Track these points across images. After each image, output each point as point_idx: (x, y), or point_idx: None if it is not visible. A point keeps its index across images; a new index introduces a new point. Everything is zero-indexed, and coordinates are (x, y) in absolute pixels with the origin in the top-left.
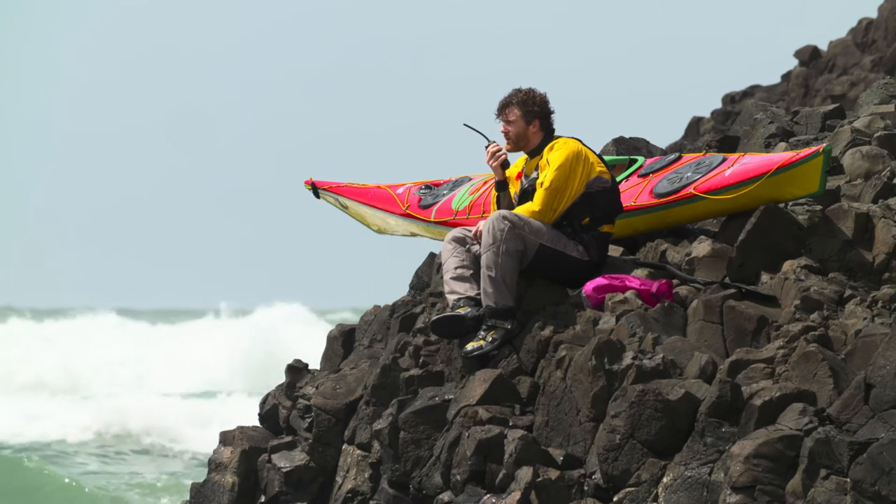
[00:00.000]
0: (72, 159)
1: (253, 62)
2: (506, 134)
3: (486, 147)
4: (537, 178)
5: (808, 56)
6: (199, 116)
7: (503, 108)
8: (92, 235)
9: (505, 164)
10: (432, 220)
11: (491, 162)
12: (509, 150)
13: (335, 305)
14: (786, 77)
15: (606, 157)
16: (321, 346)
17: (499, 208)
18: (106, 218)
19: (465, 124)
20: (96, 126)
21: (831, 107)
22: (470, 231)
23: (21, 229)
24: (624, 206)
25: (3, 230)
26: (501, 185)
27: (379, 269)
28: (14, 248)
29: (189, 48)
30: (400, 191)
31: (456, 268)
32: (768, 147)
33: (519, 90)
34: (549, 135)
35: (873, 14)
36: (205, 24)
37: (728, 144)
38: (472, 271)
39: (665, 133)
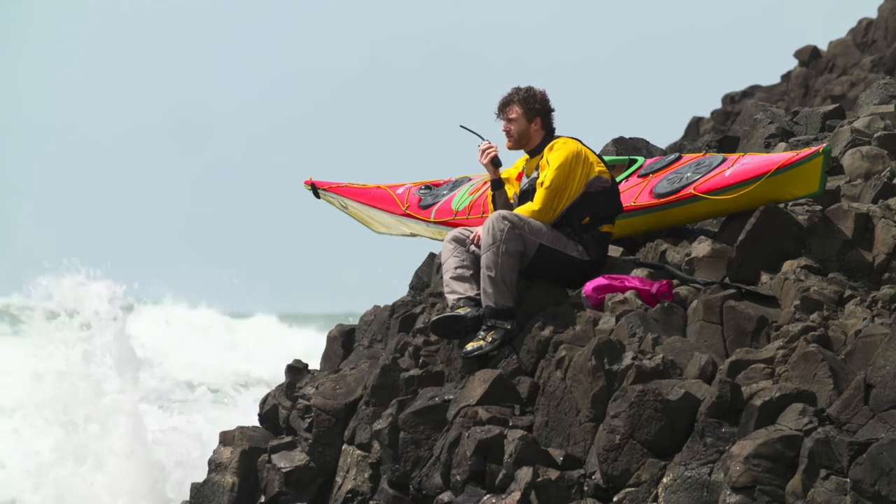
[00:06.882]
0: (69, 167)
1: (252, 71)
2: (507, 132)
3: (479, 146)
4: (537, 177)
5: (808, 56)
6: (201, 122)
7: (504, 107)
8: (91, 242)
9: (496, 162)
10: (432, 220)
11: (482, 160)
12: (511, 148)
13: (335, 304)
14: (786, 77)
15: (606, 158)
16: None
17: (495, 207)
18: (105, 225)
19: (461, 125)
20: (95, 134)
21: (831, 107)
22: (470, 231)
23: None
24: (624, 206)
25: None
26: (496, 184)
27: (378, 269)
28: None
29: (189, 57)
30: (400, 191)
31: (456, 268)
32: (768, 147)
33: (519, 88)
34: (549, 133)
35: (873, 14)
36: (205, 33)
37: (728, 144)
38: (471, 271)
39: (665, 133)
